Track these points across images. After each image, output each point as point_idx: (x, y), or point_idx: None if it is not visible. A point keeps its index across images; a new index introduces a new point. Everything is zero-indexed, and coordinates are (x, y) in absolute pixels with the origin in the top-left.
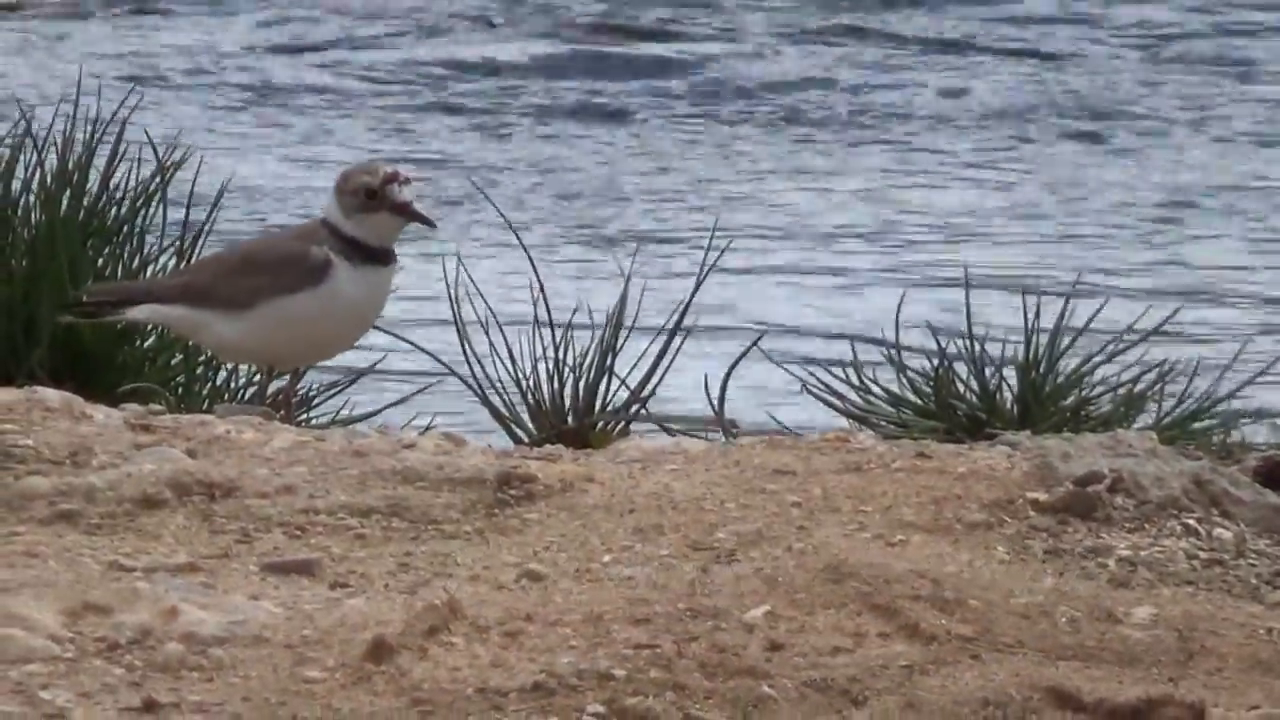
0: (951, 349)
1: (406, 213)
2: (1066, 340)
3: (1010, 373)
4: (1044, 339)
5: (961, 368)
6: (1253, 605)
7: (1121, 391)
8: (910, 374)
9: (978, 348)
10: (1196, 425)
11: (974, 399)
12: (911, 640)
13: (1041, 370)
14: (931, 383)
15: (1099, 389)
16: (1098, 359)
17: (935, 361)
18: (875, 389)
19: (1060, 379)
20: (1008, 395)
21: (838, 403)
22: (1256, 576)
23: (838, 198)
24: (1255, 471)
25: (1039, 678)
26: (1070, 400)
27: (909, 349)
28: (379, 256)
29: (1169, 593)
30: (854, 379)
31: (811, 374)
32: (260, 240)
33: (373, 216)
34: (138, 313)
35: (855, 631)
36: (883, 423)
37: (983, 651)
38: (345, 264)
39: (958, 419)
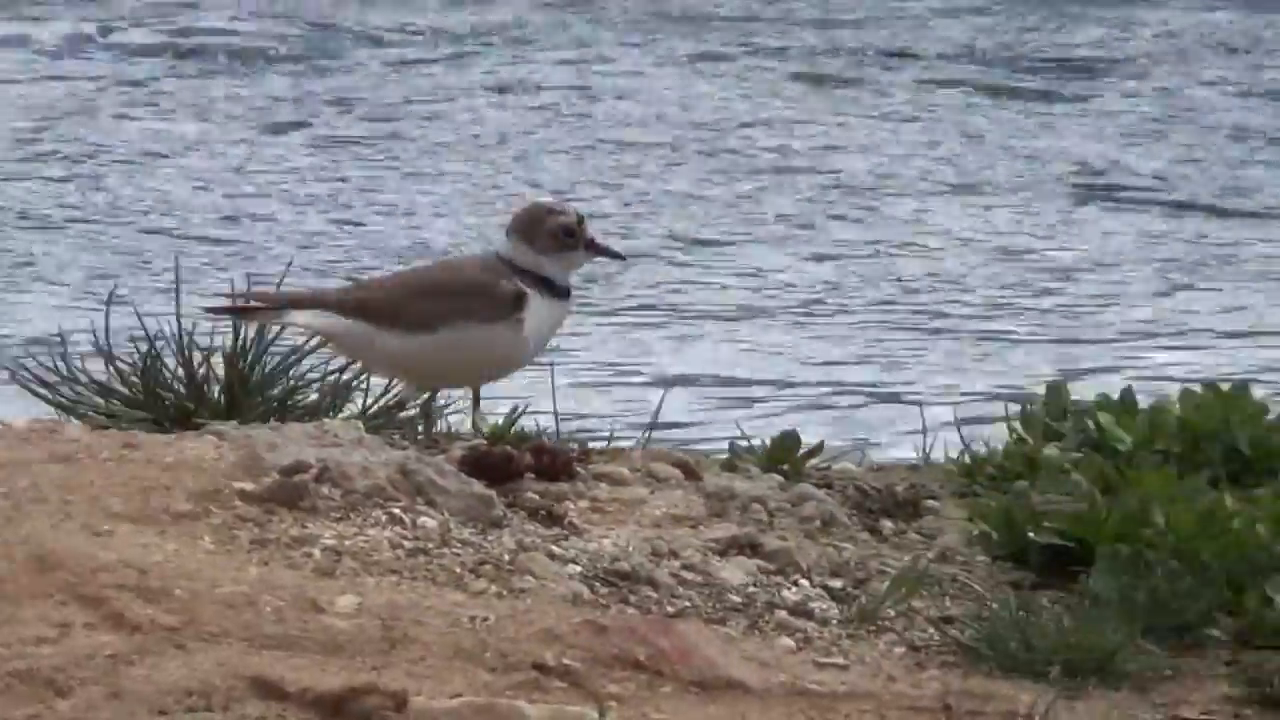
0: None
1: (600, 250)
2: (275, 330)
3: (219, 362)
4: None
5: (171, 358)
6: (456, 593)
7: (329, 381)
8: (119, 364)
9: (185, 337)
10: (402, 415)
11: (181, 389)
12: (117, 630)
13: (249, 360)
14: (140, 373)
15: (307, 379)
16: (306, 349)
17: (144, 351)
18: (84, 379)
19: (268, 369)
20: (216, 385)
21: (46, 393)
22: (460, 565)
23: None
24: (461, 461)
25: (243, 667)
26: (278, 390)
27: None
28: (563, 292)
29: (373, 582)
30: (63, 369)
31: (21, 364)
32: (445, 268)
33: (569, 255)
34: (300, 318)
35: (61, 622)
36: (91, 413)
37: (188, 641)
38: (537, 297)
39: (165, 409)
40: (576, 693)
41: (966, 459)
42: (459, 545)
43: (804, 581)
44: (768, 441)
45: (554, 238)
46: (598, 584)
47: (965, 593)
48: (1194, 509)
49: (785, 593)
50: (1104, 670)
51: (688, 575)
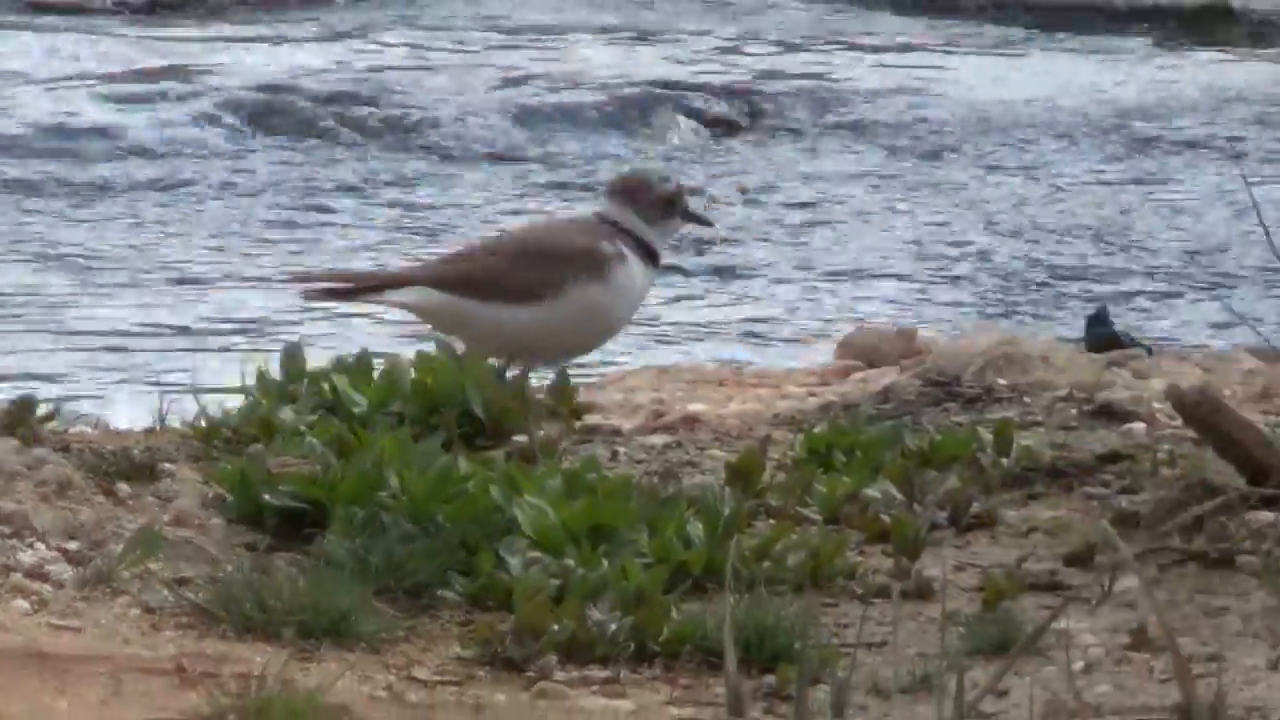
0: None
1: (698, 219)
2: None
3: None
4: None
5: None
6: None
7: None
8: None
9: None
10: None
11: None
12: None
13: None
14: None
15: None
16: None
17: None
18: None
19: None
20: None
21: None
22: None
23: None
24: None
25: None
26: None
27: None
28: (656, 258)
29: None
30: None
31: None
32: (542, 230)
33: (670, 223)
34: (401, 296)
35: None
36: None
37: None
38: (635, 259)
39: None
40: None
41: (202, 422)
42: None
43: (40, 545)
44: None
45: (656, 208)
46: None
47: (201, 555)
48: (428, 471)
49: (21, 555)
50: (338, 631)
51: None
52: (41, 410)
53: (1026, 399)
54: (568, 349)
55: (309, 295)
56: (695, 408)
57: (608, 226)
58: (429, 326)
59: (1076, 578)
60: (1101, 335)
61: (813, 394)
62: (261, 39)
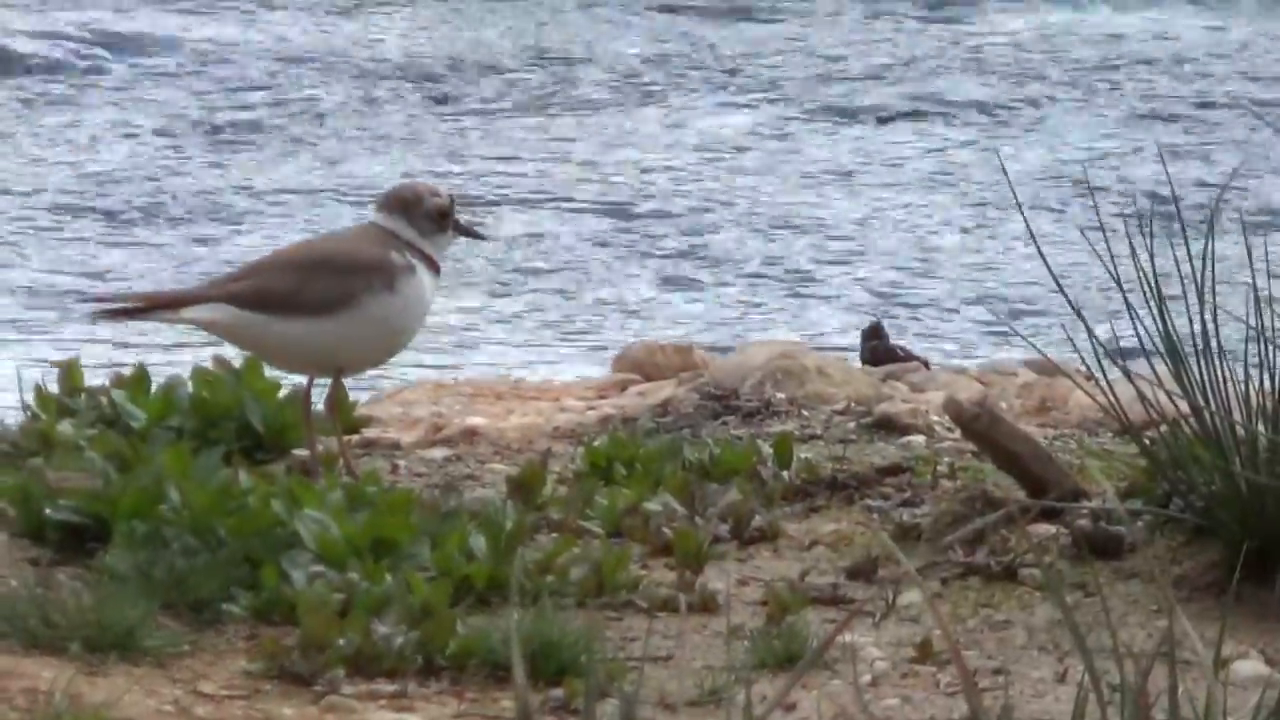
0: None
1: (469, 233)
2: None
3: None
4: None
5: None
6: None
7: None
8: None
9: None
10: None
11: None
12: None
13: None
14: None
15: None
16: None
17: None
18: None
19: None
20: None
21: None
22: None
23: None
24: None
25: None
26: None
27: None
28: (438, 268)
29: None
30: None
31: None
32: (328, 243)
33: (443, 236)
34: (198, 313)
35: None
36: None
37: None
38: (423, 269)
39: None
40: None
41: None
42: None
43: None
44: None
45: (430, 220)
46: None
47: None
48: (209, 485)
49: None
50: (124, 646)
51: None
52: None
53: (805, 412)
54: (363, 361)
55: (101, 315)
56: (474, 421)
57: (391, 238)
58: (227, 343)
59: (860, 591)
60: (877, 349)
61: (591, 408)
62: None
